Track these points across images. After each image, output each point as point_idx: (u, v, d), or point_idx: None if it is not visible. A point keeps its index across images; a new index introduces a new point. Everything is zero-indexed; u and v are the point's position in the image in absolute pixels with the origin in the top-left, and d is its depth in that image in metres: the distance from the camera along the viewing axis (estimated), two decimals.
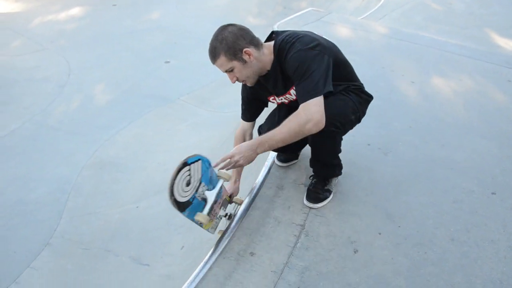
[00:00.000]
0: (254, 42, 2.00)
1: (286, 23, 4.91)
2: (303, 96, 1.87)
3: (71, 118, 6.22)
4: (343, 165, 2.45)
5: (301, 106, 1.87)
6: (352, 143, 2.74)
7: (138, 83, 7.24)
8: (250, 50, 1.97)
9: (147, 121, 6.23)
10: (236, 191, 2.39)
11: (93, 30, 9.42)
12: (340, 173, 2.48)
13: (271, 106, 2.43)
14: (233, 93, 7.07)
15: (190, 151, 5.70)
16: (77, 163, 5.25)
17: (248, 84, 2.13)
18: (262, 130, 2.39)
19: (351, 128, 2.28)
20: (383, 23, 6.30)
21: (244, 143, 1.97)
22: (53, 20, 10.08)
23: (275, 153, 2.72)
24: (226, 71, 2.02)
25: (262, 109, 2.46)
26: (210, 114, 6.49)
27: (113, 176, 5.08)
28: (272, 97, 2.28)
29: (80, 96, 6.79)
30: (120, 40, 8.94)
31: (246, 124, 2.45)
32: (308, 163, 2.58)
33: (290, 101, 2.22)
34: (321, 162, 2.35)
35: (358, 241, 2.13)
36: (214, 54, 1.97)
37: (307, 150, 2.74)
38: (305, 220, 2.23)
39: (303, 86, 1.88)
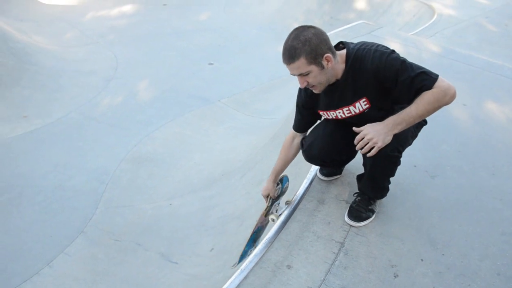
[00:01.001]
0: (332, 48, 1.96)
1: (336, 35, 4.85)
2: (424, 83, 1.86)
3: (114, 111, 6.39)
4: None
5: (431, 89, 1.85)
6: None
7: (181, 82, 7.37)
8: (330, 56, 1.93)
9: (187, 120, 6.31)
10: (271, 191, 2.40)
11: (142, 28, 9.68)
12: (386, 195, 2.42)
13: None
14: (273, 100, 7.12)
15: (225, 154, 5.73)
16: (117, 156, 5.38)
17: (316, 91, 2.06)
18: (305, 142, 2.34)
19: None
20: (435, 41, 6.13)
21: (375, 123, 1.87)
22: (105, 15, 10.43)
23: (318, 167, 2.67)
24: (299, 74, 1.95)
25: (315, 122, 2.40)
26: (249, 118, 6.50)
27: (150, 172, 5.17)
28: (323, 112, 2.23)
29: (124, 91, 6.97)
30: (167, 39, 9.14)
31: (297, 134, 2.40)
32: (350, 179, 2.53)
33: (343, 118, 2.17)
34: (374, 183, 2.29)
35: (399, 266, 2.05)
36: (293, 55, 1.88)
37: (350, 165, 2.68)
38: (345, 238, 2.17)
39: (417, 77, 1.87)
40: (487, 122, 3.48)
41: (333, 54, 1.96)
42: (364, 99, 2.07)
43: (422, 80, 1.87)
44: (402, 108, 1.96)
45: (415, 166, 2.83)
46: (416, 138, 2.26)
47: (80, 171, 5.12)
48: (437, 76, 1.88)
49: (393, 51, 1.95)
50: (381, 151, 1.88)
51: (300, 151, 2.40)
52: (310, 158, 2.36)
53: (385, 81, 1.95)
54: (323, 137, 2.24)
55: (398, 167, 2.19)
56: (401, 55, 1.96)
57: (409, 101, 1.91)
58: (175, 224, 4.31)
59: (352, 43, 2.07)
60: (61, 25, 9.61)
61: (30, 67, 7.14)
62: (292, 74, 1.97)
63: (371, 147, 1.85)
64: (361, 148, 1.89)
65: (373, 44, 2.00)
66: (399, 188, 2.59)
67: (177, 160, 5.40)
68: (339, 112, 2.17)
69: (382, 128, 1.85)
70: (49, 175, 5.02)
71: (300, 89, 2.27)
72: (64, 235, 4.21)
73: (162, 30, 9.64)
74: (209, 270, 3.55)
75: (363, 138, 1.87)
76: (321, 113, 2.26)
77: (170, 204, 4.64)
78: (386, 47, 1.98)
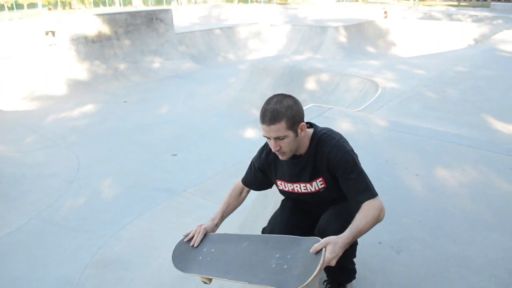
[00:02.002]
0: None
1: None
2: (363, 195, 2.03)
3: (77, 214, 6.22)
4: (356, 267, 2.40)
5: (367, 202, 2.00)
6: (362, 242, 2.69)
7: (145, 176, 7.35)
8: (305, 125, 2.11)
9: (153, 215, 6.20)
10: (214, 230, 2.40)
11: (103, 126, 9.81)
12: (354, 278, 2.44)
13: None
14: None
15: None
16: (81, 262, 5.14)
17: (283, 158, 2.16)
18: (265, 231, 2.39)
19: None
20: (382, 113, 6.54)
21: (335, 241, 1.84)
22: (66, 117, 10.55)
23: None
24: (276, 138, 2.04)
25: (264, 186, 2.53)
26: (216, 206, 6.43)
27: (117, 276, 4.94)
28: (281, 182, 2.33)
29: (87, 192, 6.85)
30: (129, 134, 9.27)
31: (245, 188, 2.53)
32: None
33: (298, 192, 2.28)
34: (339, 268, 2.30)
35: None
36: (275, 118, 1.99)
37: None
38: None
39: (359, 186, 2.05)
40: (441, 189, 3.65)
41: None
42: (320, 179, 2.21)
43: (367, 189, 2.06)
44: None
45: (380, 243, 2.88)
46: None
47: (42, 284, 4.81)
48: (377, 195, 2.06)
49: (352, 150, 2.15)
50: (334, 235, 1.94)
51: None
52: None
53: (335, 171, 2.12)
54: (281, 224, 2.33)
55: (364, 246, 2.25)
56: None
57: (350, 198, 2.10)
58: None
59: (319, 126, 2.27)
60: (21, 131, 9.61)
61: None
62: (267, 136, 2.08)
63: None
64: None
65: (337, 135, 2.20)
66: (367, 268, 2.61)
67: (145, 259, 5.20)
68: (296, 186, 2.29)
69: (340, 250, 1.86)
70: None
71: (261, 152, 2.39)
72: None
73: (123, 125, 9.80)
74: None
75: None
76: (278, 182, 2.37)
77: None
78: (348, 144, 2.19)
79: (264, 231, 2.40)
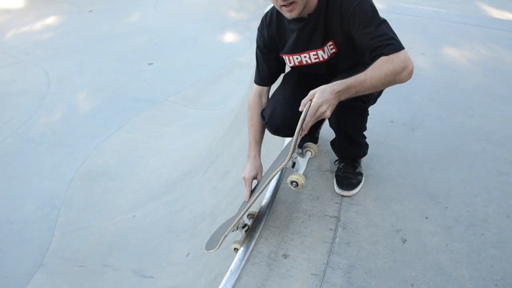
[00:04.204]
0: None
1: None
2: (385, 48, 1.59)
3: (54, 130, 5.82)
4: (369, 146, 2.15)
5: (390, 56, 1.57)
6: (373, 121, 2.41)
7: (122, 87, 6.87)
8: None
9: (135, 125, 5.87)
10: (260, 169, 1.98)
11: (70, 38, 8.99)
12: (367, 152, 2.17)
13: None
14: (222, 90, 6.80)
15: (183, 152, 5.37)
16: (65, 176, 4.88)
17: (293, 14, 1.69)
18: (265, 113, 1.99)
19: (373, 103, 1.99)
20: None
21: (324, 86, 1.54)
22: (27, 31, 9.61)
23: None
24: None
25: (279, 74, 2.07)
26: (200, 113, 6.17)
27: (104, 186, 4.73)
28: (287, 56, 1.91)
29: (62, 106, 6.38)
30: (100, 45, 8.54)
31: (261, 89, 2.06)
32: (328, 147, 2.27)
33: (308, 63, 1.88)
34: (349, 142, 2.04)
35: (404, 229, 1.82)
36: None
37: (323, 133, 2.44)
38: (339, 211, 1.90)
39: (379, 39, 1.60)
40: (451, 67, 3.36)
41: None
42: (330, 43, 1.80)
43: (388, 40, 1.60)
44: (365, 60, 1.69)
45: (391, 121, 2.63)
46: (384, 92, 1.96)
47: (27, 200, 4.58)
48: (402, 46, 1.62)
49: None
50: (343, 103, 1.61)
51: None
52: (275, 130, 2.00)
53: (350, 25, 1.68)
54: (283, 103, 1.91)
55: (375, 125, 1.92)
56: None
57: (367, 56, 1.67)
58: (142, 236, 3.94)
59: None
60: None
61: None
62: None
63: (318, 115, 1.54)
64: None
65: None
66: (381, 146, 2.37)
67: (132, 169, 4.97)
68: (305, 57, 1.87)
69: (331, 96, 1.52)
70: None
71: (261, 28, 1.95)
72: (21, 272, 3.72)
73: (92, 36, 9.00)
74: (188, 277, 3.24)
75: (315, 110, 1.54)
76: (284, 57, 1.93)
77: (133, 216, 4.24)
78: None
79: (264, 112, 2.01)
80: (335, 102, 1.54)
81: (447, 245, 1.74)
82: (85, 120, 6.04)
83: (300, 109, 1.51)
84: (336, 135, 2.09)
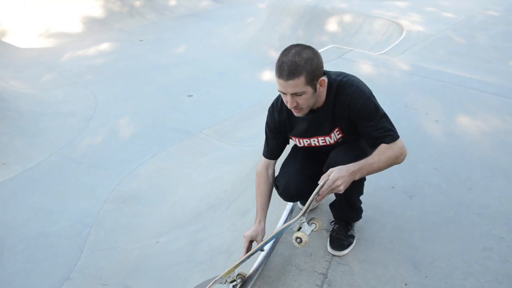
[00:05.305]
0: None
1: None
2: (384, 138, 1.95)
3: (95, 151, 6.34)
4: (367, 209, 2.41)
5: (390, 144, 1.95)
6: (375, 186, 2.69)
7: (161, 116, 7.38)
8: (324, 80, 1.93)
9: (169, 154, 6.29)
10: (262, 233, 2.21)
11: (120, 65, 9.73)
12: (361, 217, 2.43)
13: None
14: (254, 127, 7.15)
15: (209, 186, 5.70)
16: (99, 197, 5.30)
17: (299, 115, 1.99)
18: (278, 183, 2.28)
19: None
20: (405, 58, 6.29)
21: (341, 166, 1.87)
22: (82, 55, 10.47)
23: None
24: (294, 93, 1.87)
25: (284, 147, 2.35)
26: (231, 148, 6.51)
27: (134, 210, 5.10)
28: (296, 138, 2.21)
29: (104, 130, 6.94)
30: (146, 74, 9.19)
31: (269, 162, 2.33)
32: (327, 208, 2.54)
33: (316, 146, 2.18)
34: (349, 205, 2.30)
35: None
36: (294, 72, 1.80)
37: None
38: (327, 269, 2.16)
39: (380, 130, 1.96)
40: (461, 136, 3.55)
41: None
42: (337, 129, 2.10)
43: (388, 131, 1.96)
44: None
45: (392, 187, 2.86)
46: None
47: (63, 216, 5.02)
48: (398, 136, 1.99)
49: (371, 93, 2.03)
50: None
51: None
52: (289, 198, 2.37)
53: (356, 119, 2.01)
54: (295, 175, 2.22)
55: (376, 190, 2.22)
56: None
57: (369, 142, 2.04)
58: (163, 262, 4.23)
59: (331, 72, 2.09)
60: (38, 68, 9.61)
61: (8, 113, 7.07)
62: (283, 92, 1.91)
63: (333, 188, 1.85)
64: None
65: (354, 79, 2.05)
66: (378, 211, 2.61)
67: (162, 196, 5.35)
68: (314, 140, 2.17)
69: (347, 174, 1.85)
70: (31, 222, 4.92)
71: (271, 112, 2.21)
72: (49, 283, 4.09)
73: (140, 65, 9.70)
74: None
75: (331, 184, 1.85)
76: (293, 139, 2.24)
77: (157, 242, 4.57)
78: (365, 86, 2.05)
79: (277, 182, 2.30)
80: (349, 180, 1.86)
81: None
82: (124, 145, 6.53)
83: (319, 182, 1.84)
84: (337, 198, 2.33)
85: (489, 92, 4.39)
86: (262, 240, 2.16)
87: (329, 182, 1.81)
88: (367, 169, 1.90)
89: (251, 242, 2.17)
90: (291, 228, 1.98)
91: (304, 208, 1.89)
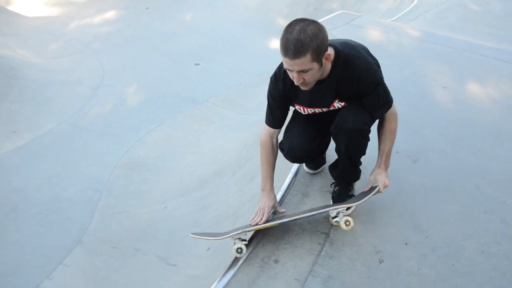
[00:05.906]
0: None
1: None
2: (384, 108, 2.13)
3: (104, 119, 6.39)
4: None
5: (388, 114, 2.15)
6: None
7: (168, 85, 7.36)
8: (330, 54, 1.92)
9: (177, 122, 6.31)
10: (275, 200, 2.35)
11: (126, 34, 9.64)
12: (360, 177, 2.48)
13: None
14: (261, 95, 7.01)
15: (216, 153, 5.75)
16: (109, 163, 5.38)
17: (305, 88, 1.99)
18: (283, 146, 2.37)
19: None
20: (417, 25, 6.17)
21: (378, 171, 2.21)
22: (88, 24, 10.38)
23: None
24: (300, 71, 1.86)
25: (287, 114, 2.37)
26: (238, 116, 6.52)
27: (143, 177, 5.19)
28: (300, 106, 2.24)
29: (112, 98, 6.96)
30: (152, 42, 9.11)
31: (273, 131, 2.35)
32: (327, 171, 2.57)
33: (321, 112, 2.24)
34: (352, 165, 2.33)
35: (383, 251, 2.10)
36: (299, 50, 1.77)
37: (330, 155, 2.72)
38: (329, 229, 2.22)
39: (380, 100, 2.11)
40: (469, 103, 3.53)
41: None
42: (337, 100, 2.15)
43: (385, 101, 2.12)
44: None
45: (397, 152, 2.87)
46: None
47: (74, 181, 5.12)
48: (392, 99, 2.14)
49: (376, 64, 2.08)
50: (353, 127, 2.08)
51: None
52: (295, 159, 2.42)
53: (363, 93, 2.07)
54: (299, 136, 2.27)
55: None
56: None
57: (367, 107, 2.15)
58: (171, 226, 4.34)
59: (336, 40, 2.09)
60: (45, 37, 9.56)
61: (16, 82, 7.11)
62: (290, 69, 1.89)
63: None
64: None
65: (360, 49, 2.05)
66: None
67: (169, 163, 5.42)
68: (317, 110, 2.21)
69: (386, 173, 2.20)
70: (43, 188, 5.03)
71: (275, 81, 2.19)
72: (62, 246, 4.22)
73: (147, 34, 9.60)
74: (207, 270, 3.58)
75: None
76: (296, 107, 2.26)
77: (165, 208, 4.67)
78: (370, 56, 2.08)
79: (281, 145, 2.36)
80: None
81: (418, 270, 2.01)
82: (132, 113, 6.56)
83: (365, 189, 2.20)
84: (341, 158, 2.35)
85: (501, 59, 4.31)
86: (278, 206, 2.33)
87: (382, 188, 2.17)
88: (390, 155, 2.20)
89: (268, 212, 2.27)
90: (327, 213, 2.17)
91: (368, 197, 2.16)
